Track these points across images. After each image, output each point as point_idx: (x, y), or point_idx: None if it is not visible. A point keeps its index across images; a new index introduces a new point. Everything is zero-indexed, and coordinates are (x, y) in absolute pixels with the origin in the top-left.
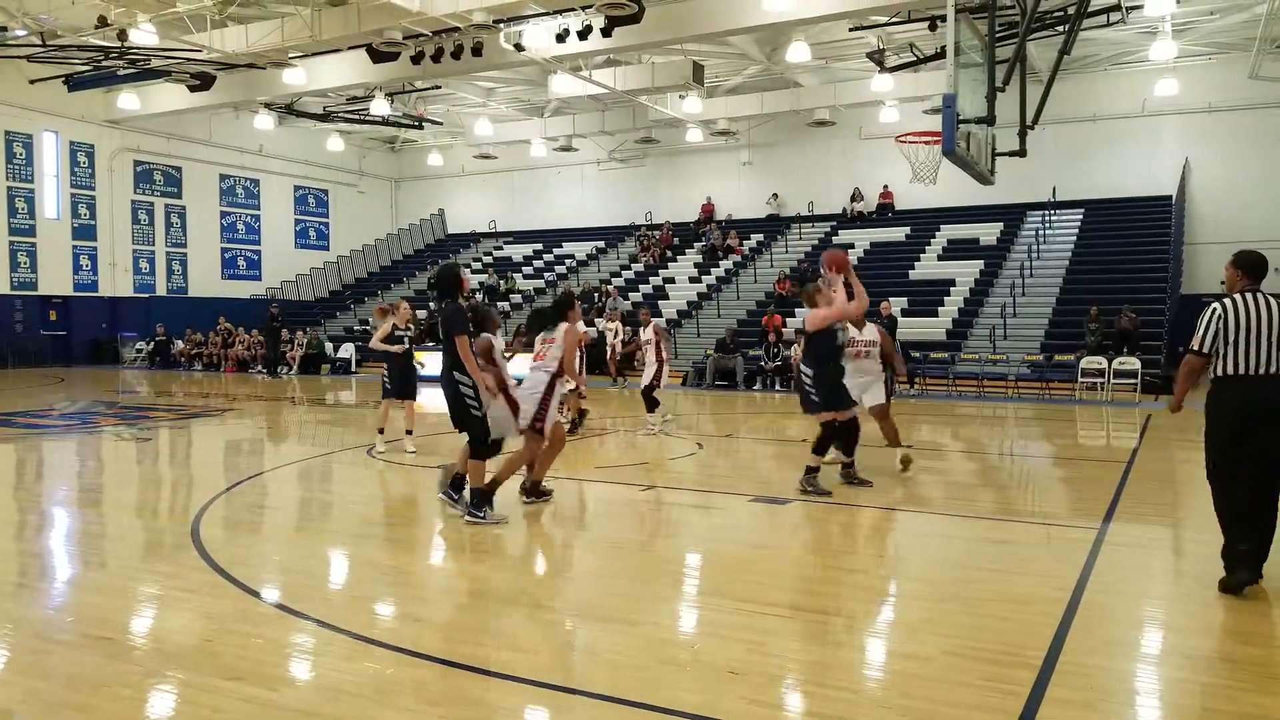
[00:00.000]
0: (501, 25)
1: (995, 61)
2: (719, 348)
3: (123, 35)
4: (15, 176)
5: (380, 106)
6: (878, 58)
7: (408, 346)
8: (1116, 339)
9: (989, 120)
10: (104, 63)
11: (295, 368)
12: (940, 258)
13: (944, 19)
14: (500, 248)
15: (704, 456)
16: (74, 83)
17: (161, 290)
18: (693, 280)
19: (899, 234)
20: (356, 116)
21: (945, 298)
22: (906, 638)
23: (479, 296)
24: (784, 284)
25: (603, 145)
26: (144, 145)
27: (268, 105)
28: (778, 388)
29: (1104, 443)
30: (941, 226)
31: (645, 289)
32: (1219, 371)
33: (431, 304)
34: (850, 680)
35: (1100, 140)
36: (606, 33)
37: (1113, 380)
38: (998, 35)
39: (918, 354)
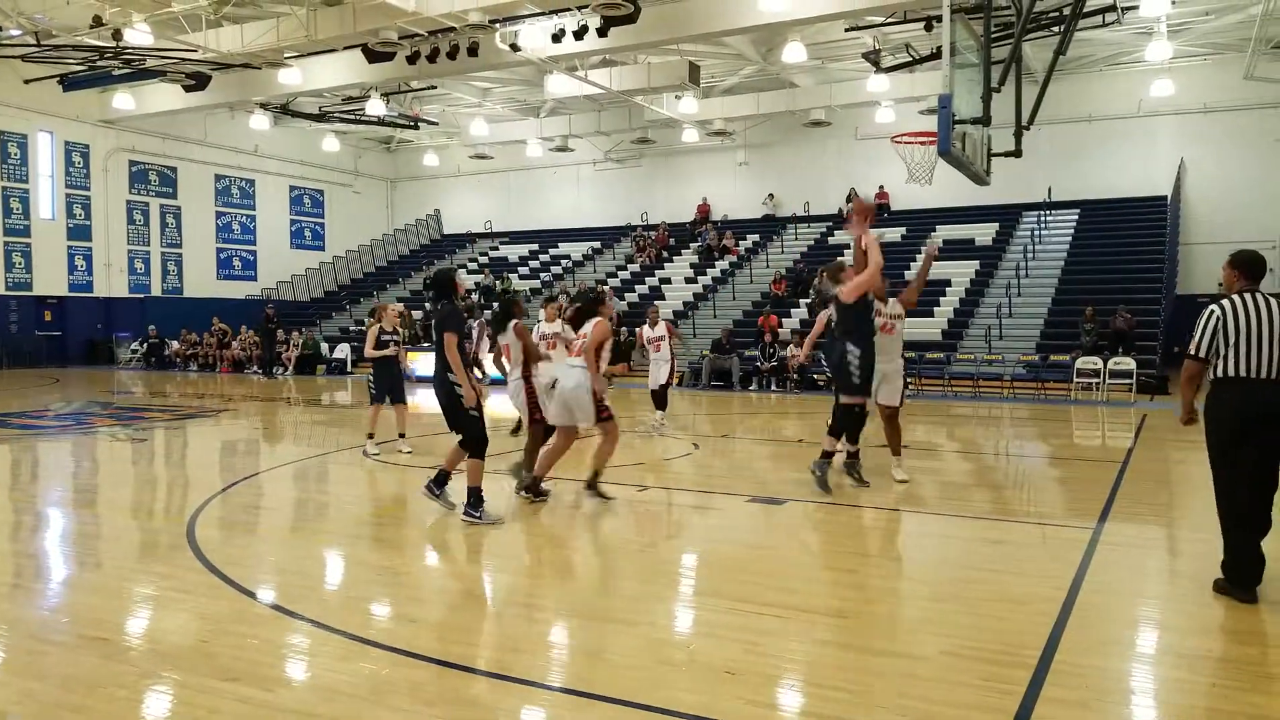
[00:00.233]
0: (497, 25)
1: (991, 62)
2: (715, 348)
3: (118, 35)
4: (10, 177)
5: (376, 107)
6: (873, 58)
7: (395, 351)
8: (1112, 339)
9: (984, 121)
10: (99, 63)
11: (291, 368)
12: (936, 258)
13: (940, 19)
14: (496, 248)
15: (700, 457)
16: (69, 83)
17: (157, 290)
18: (689, 281)
19: (895, 234)
20: (352, 117)
21: (941, 298)
22: (903, 637)
23: (475, 297)
24: (780, 284)
25: (598, 145)
26: (139, 145)
27: (263, 105)
28: (774, 388)
29: (1099, 443)
30: (937, 227)
31: (641, 289)
32: (1219, 373)
33: (427, 305)
34: (847, 680)
35: (1096, 141)
36: (602, 33)
37: (1108, 380)
38: (993, 35)
39: (913, 354)
